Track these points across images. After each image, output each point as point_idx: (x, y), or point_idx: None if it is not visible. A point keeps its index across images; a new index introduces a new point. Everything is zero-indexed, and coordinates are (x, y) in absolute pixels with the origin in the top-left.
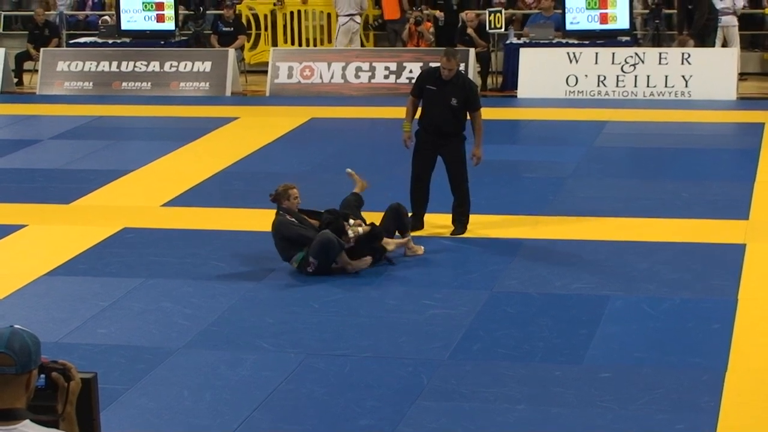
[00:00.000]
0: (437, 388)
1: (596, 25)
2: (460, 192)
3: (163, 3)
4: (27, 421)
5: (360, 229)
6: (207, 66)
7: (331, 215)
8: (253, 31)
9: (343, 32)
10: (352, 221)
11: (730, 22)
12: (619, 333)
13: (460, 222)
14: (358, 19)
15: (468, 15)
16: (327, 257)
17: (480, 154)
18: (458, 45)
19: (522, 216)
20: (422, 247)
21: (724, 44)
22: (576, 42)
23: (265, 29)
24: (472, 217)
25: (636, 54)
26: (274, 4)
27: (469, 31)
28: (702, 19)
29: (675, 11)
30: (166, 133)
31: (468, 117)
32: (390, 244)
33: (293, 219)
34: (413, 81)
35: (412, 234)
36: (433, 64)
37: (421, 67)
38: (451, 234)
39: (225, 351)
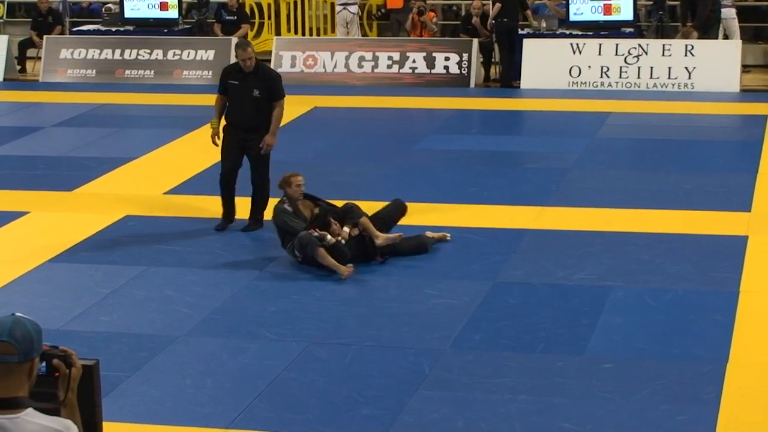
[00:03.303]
0: (439, 377)
1: (600, 16)
2: (262, 189)
3: None
4: (30, 410)
5: (334, 239)
6: (210, 54)
7: (321, 210)
8: (257, 20)
9: (338, 21)
10: (347, 228)
11: (728, 14)
12: (621, 324)
13: (256, 221)
14: (352, 8)
15: (475, 3)
16: (305, 254)
17: (271, 142)
18: (461, 35)
19: (524, 207)
20: (449, 234)
21: (725, 37)
22: (579, 33)
23: (269, 18)
24: (475, 207)
25: (639, 45)
26: None
27: (474, 20)
28: (705, 10)
29: (678, 3)
30: (168, 121)
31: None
32: (380, 237)
33: (290, 208)
34: (415, 71)
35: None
36: (435, 54)
37: (424, 57)
38: (243, 229)
39: (227, 339)
